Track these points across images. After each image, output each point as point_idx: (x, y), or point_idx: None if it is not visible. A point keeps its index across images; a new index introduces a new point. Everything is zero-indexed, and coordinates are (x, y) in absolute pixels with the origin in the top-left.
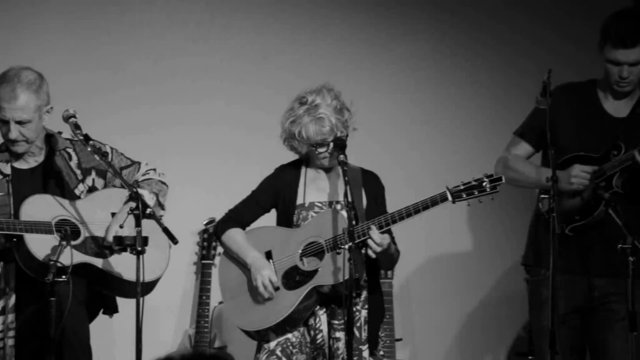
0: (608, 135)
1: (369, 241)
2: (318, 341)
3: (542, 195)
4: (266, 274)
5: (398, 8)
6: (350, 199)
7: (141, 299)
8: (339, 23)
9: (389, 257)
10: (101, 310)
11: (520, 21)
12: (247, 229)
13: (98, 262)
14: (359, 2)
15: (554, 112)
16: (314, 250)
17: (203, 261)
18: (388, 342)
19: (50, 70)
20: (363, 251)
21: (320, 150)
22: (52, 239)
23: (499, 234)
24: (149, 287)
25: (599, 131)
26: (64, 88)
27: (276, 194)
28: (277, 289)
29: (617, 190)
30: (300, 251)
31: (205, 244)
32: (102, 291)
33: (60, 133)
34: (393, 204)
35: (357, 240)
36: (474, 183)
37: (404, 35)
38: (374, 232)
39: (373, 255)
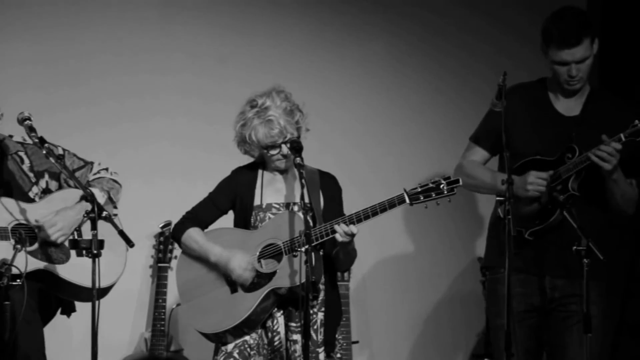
0: (562, 136)
1: (337, 235)
2: (275, 343)
3: (498, 198)
4: (236, 264)
5: (351, 12)
6: (307, 202)
7: (97, 301)
8: (293, 27)
9: (349, 254)
10: (59, 310)
11: (475, 24)
12: (205, 231)
13: (52, 267)
14: (313, 6)
15: (507, 114)
16: (272, 253)
17: (159, 264)
18: (345, 344)
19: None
20: (321, 253)
21: (272, 152)
22: (7, 244)
23: (453, 235)
24: (104, 291)
25: (552, 132)
26: (20, 92)
27: (233, 196)
28: (259, 260)
29: (574, 193)
30: (258, 253)
31: (161, 247)
32: (57, 295)
33: (11, 137)
34: (347, 208)
35: (314, 243)
36: (431, 185)
37: (358, 38)
38: (340, 226)
39: (345, 239)
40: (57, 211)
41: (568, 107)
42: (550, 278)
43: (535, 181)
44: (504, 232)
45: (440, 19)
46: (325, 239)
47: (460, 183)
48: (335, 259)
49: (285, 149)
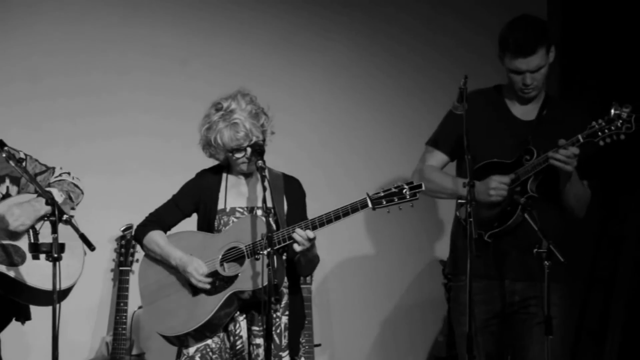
0: (519, 140)
1: (295, 245)
2: (237, 347)
3: (460, 201)
4: (192, 270)
5: (316, 12)
6: (269, 205)
7: (57, 305)
8: (257, 27)
9: (311, 260)
10: (13, 318)
11: (441, 25)
12: (168, 233)
13: (10, 271)
14: (278, 6)
15: (466, 119)
16: (235, 256)
17: (120, 268)
18: (307, 347)
19: None
20: (284, 257)
21: (238, 155)
22: None
23: (413, 238)
24: (63, 295)
25: (510, 136)
26: None
27: (197, 199)
28: (211, 274)
29: (533, 194)
30: (220, 256)
31: (122, 250)
32: (14, 300)
33: None
34: (313, 209)
35: (277, 247)
36: (394, 190)
37: (324, 39)
38: (297, 232)
39: (298, 248)
40: (16, 203)
41: (524, 112)
42: (510, 282)
43: (498, 186)
44: (464, 235)
45: (406, 19)
46: (287, 243)
47: (423, 188)
48: (296, 264)
49: (250, 152)
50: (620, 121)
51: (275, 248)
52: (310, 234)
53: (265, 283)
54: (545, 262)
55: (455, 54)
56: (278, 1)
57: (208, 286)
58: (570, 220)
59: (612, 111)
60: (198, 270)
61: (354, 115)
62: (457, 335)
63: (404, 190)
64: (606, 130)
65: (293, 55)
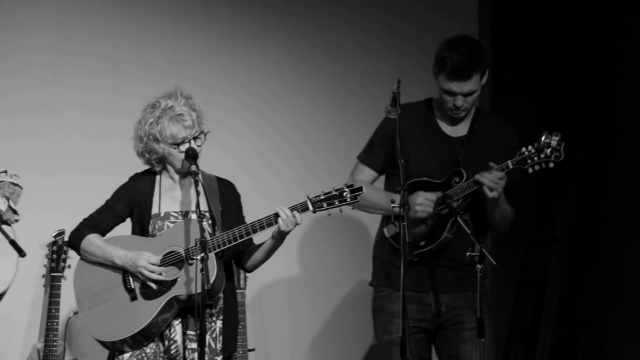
0: (449, 157)
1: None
2: (172, 352)
3: (392, 207)
4: (143, 264)
5: (251, 18)
6: (203, 209)
7: None
8: (191, 31)
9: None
10: None
11: (373, 34)
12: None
13: None
14: (212, 10)
15: (399, 129)
16: (173, 260)
17: (52, 274)
18: (240, 352)
19: None
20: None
21: (183, 148)
22: None
23: (347, 245)
24: None
25: (440, 153)
26: None
27: (131, 203)
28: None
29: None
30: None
31: (54, 256)
32: None
33: None
34: (250, 213)
35: (217, 250)
36: (334, 193)
37: (258, 44)
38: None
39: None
40: None
41: (455, 128)
42: (434, 293)
43: (423, 202)
44: (389, 250)
45: (337, 24)
46: (226, 247)
47: (364, 191)
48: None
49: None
50: (550, 149)
51: (215, 252)
52: (298, 218)
53: (205, 287)
54: (478, 265)
55: (389, 60)
56: (210, 4)
57: (162, 277)
58: (494, 235)
59: (542, 139)
60: (149, 260)
61: (286, 121)
62: (383, 343)
63: (345, 193)
64: (535, 158)
65: (228, 60)
